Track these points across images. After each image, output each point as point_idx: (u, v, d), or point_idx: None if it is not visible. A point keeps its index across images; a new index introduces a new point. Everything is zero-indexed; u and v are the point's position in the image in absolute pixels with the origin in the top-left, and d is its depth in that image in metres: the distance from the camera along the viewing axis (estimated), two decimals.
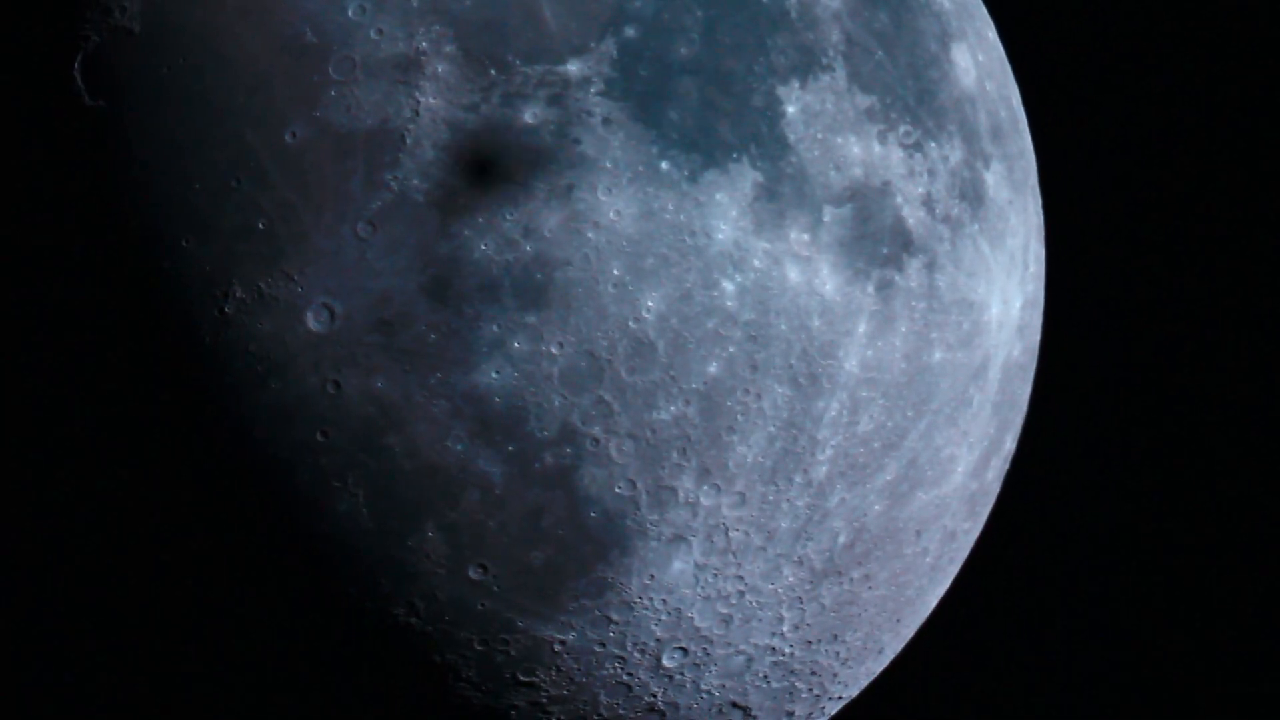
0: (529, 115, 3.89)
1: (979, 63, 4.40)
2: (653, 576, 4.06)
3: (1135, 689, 6.49)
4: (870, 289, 4.09)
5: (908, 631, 4.65)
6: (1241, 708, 6.41)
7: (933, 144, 4.20)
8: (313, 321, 3.88)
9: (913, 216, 4.15)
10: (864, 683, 4.68)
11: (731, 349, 3.97)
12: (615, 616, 4.08)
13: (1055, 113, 6.34)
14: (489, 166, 3.65)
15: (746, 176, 3.98)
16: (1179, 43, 6.70)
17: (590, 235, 3.90)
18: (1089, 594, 6.62)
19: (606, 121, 3.91)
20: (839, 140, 4.07)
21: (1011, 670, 6.55)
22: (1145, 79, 6.74)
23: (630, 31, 3.96)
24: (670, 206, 3.93)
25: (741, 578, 4.13)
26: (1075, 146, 6.64)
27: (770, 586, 4.17)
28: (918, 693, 6.23)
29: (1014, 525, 5.97)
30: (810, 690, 4.46)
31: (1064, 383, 6.40)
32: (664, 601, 4.09)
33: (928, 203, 4.18)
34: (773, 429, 4.03)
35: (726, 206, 3.96)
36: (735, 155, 3.98)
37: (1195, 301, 6.73)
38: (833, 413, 4.08)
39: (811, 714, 4.56)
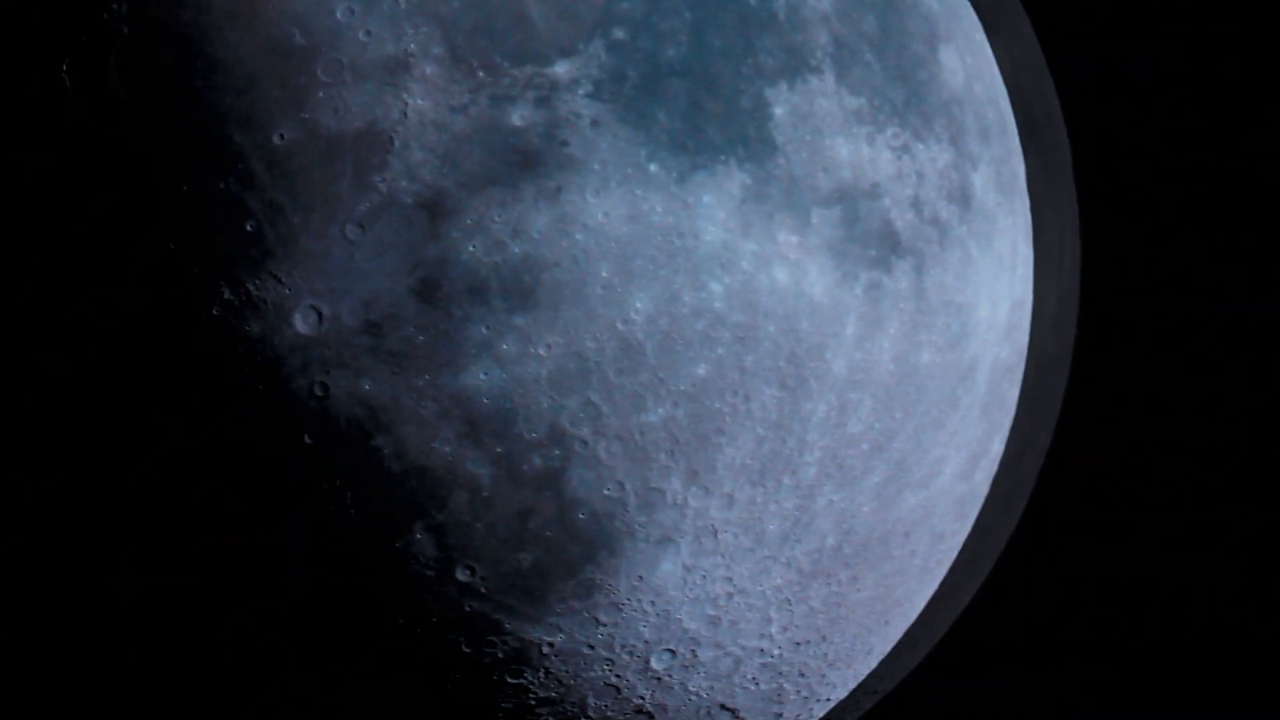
0: (517, 117, 3.89)
1: (967, 65, 4.40)
2: (641, 578, 4.06)
3: (1151, 693, 6.48)
4: (858, 291, 4.09)
5: (896, 633, 4.65)
6: (1260, 711, 6.40)
7: (921, 146, 4.20)
8: (301, 323, 3.88)
9: (901, 219, 4.15)
10: (852, 684, 4.67)
11: (720, 351, 3.97)
12: (603, 618, 4.08)
13: (1093, 108, 6.32)
14: None
15: (734, 178, 3.98)
16: (1224, 35, 6.68)
17: (578, 237, 3.90)
18: (1111, 596, 6.62)
19: (594, 123, 3.91)
20: (827, 142, 4.07)
21: (1032, 670, 6.55)
22: (1183, 73, 6.72)
23: (619, 33, 3.96)
24: (658, 208, 3.93)
25: (730, 579, 4.13)
26: (1113, 142, 6.61)
27: (758, 588, 4.17)
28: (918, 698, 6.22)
29: (1047, 525, 5.96)
30: (798, 692, 4.46)
31: (1100, 381, 6.38)
32: (652, 603, 4.10)
33: (916, 205, 4.18)
34: (761, 431, 4.03)
35: (714, 208, 3.96)
36: (723, 157, 3.98)
37: (1233, 300, 6.71)
38: (821, 414, 4.08)
39: (800, 715, 4.56)
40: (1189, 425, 6.66)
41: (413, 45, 3.90)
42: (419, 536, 3.94)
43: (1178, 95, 6.67)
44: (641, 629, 4.12)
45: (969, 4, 4.65)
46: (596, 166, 3.91)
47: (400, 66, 3.89)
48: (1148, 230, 6.67)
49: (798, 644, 4.32)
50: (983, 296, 4.32)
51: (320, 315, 3.87)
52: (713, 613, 4.15)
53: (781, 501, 4.09)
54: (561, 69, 3.93)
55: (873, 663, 4.66)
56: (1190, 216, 6.69)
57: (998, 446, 4.60)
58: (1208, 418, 6.67)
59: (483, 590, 4.00)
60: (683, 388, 3.96)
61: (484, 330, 3.87)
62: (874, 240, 4.10)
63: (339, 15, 3.91)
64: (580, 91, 3.92)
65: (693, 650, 4.19)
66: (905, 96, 4.20)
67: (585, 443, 3.94)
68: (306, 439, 3.90)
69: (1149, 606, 6.59)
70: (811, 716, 4.61)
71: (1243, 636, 6.51)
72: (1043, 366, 4.45)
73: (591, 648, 4.11)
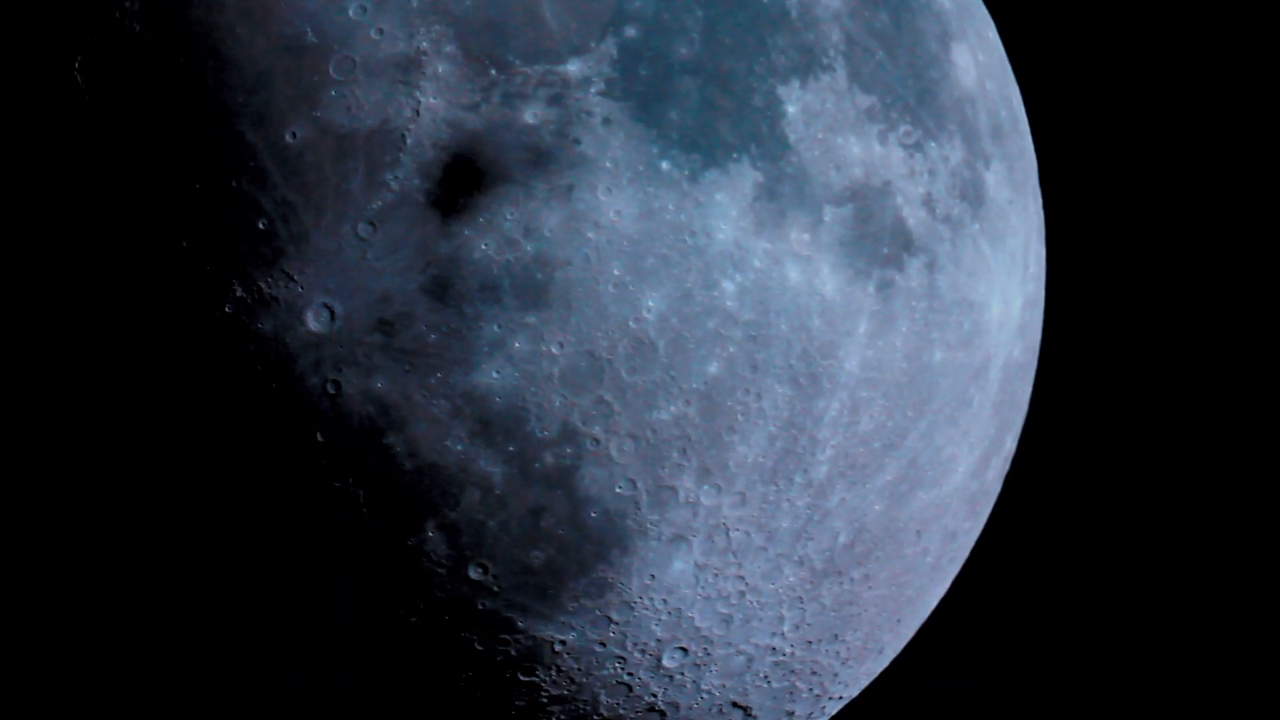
0: (529, 115, 3.89)
1: (979, 62, 4.40)
2: (653, 576, 4.06)
3: (1137, 691, 6.49)
4: (871, 289, 4.09)
5: (908, 631, 4.65)
6: (1241, 712, 6.41)
7: (933, 144, 4.20)
8: (313, 321, 3.88)
9: (913, 216, 4.15)
10: (864, 683, 4.68)
11: (732, 349, 3.97)
12: (615, 616, 4.08)
13: (1056, 112, 6.35)
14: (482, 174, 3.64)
15: (747, 176, 3.98)
16: (1180, 41, 6.70)
17: (590, 235, 3.90)
18: (1090, 596, 6.63)
19: (606, 121, 3.91)
20: (839, 140, 4.07)
21: (1012, 672, 6.55)
22: (1146, 78, 6.74)
23: (630, 31, 3.96)
24: (670, 206, 3.93)
25: (742, 578, 4.13)
26: (1076, 146, 6.64)
27: (770, 586, 4.17)
28: (919, 693, 6.24)
29: (1015, 526, 5.98)
30: (810, 690, 4.46)
31: (1065, 383, 6.40)
32: (664, 601, 4.09)
33: (928, 202, 4.18)
34: (773, 429, 4.03)
35: (727, 206, 3.96)
36: (735, 155, 3.98)
37: (1196, 301, 6.73)
38: (833, 413, 4.08)
39: (812, 714, 4.56)
40: (1154, 430, 6.68)
41: (425, 43, 3.90)
42: (431, 535, 3.94)
43: (1145, 100, 6.69)
44: (653, 627, 4.12)
45: (980, 1, 4.65)
46: (608, 164, 3.91)
47: (412, 64, 3.88)
48: (1112, 235, 6.69)
49: (810, 642, 4.33)
50: (995, 294, 4.33)
51: (332, 313, 3.87)
52: (725, 611, 4.15)
53: (794, 500, 4.09)
54: (574, 67, 3.92)
55: (885, 661, 4.67)
56: (1154, 222, 6.71)
57: (1010, 444, 4.61)
58: (1176, 421, 6.69)
59: (495, 589, 3.99)
60: (695, 386, 3.96)
61: (496, 329, 3.87)
62: (886, 238, 4.10)
63: (351, 13, 3.91)
64: (592, 89, 3.92)
65: (705, 648, 4.19)
66: (917, 94, 4.20)
67: (597, 441, 3.93)
68: (319, 437, 3.89)
69: (1120, 612, 6.60)
70: (824, 714, 4.61)
71: (1213, 639, 6.53)
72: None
73: (604, 646, 4.11)
